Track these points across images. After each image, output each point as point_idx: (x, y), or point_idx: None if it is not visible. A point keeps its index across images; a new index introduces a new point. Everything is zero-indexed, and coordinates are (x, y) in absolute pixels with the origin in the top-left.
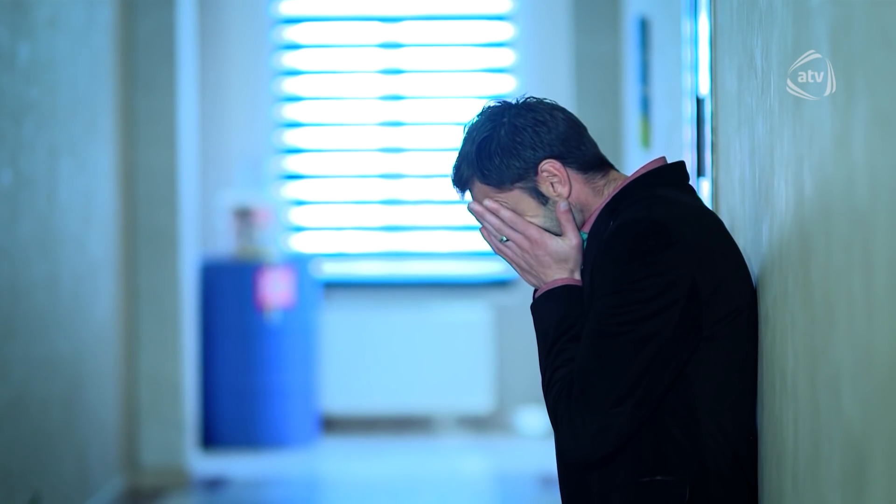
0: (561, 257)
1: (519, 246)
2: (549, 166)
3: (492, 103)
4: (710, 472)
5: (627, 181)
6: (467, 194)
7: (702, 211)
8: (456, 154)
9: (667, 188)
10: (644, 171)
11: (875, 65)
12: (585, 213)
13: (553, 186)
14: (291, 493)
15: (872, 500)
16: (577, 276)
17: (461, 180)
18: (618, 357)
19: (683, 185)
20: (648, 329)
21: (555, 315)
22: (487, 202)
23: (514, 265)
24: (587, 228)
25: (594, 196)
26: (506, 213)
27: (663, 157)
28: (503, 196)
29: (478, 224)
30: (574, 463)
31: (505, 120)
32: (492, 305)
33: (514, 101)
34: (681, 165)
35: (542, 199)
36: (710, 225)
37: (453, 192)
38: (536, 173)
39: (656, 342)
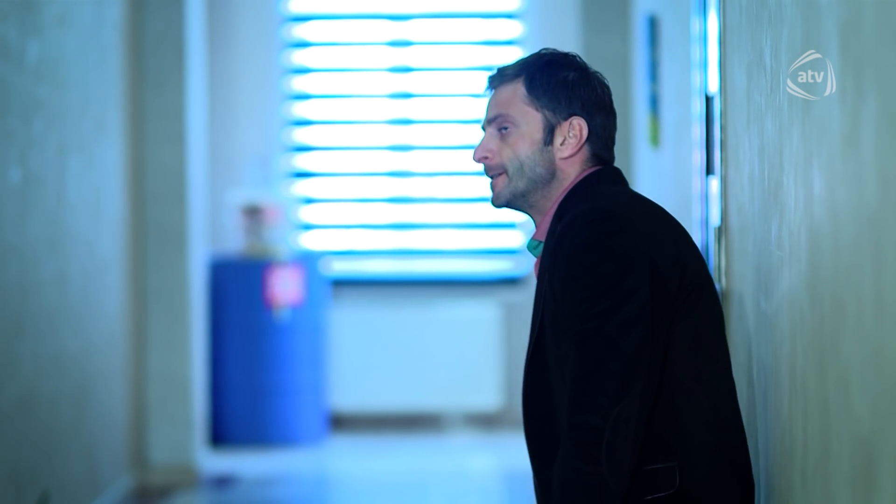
0: None
1: None
2: (580, 125)
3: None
4: (693, 454)
5: (568, 187)
6: (498, 97)
7: (644, 200)
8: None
9: (605, 185)
10: (583, 176)
11: (884, 63)
12: (550, 185)
13: (566, 140)
14: (300, 491)
15: (881, 498)
16: None
17: (507, 72)
18: (608, 349)
19: (622, 182)
20: (626, 314)
21: None
22: None
23: None
24: (541, 236)
25: (574, 177)
26: None
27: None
28: (525, 110)
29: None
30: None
31: (581, 66)
32: (500, 303)
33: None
34: (617, 170)
35: (549, 140)
36: (654, 211)
37: (484, 84)
38: (566, 118)
39: (638, 324)
